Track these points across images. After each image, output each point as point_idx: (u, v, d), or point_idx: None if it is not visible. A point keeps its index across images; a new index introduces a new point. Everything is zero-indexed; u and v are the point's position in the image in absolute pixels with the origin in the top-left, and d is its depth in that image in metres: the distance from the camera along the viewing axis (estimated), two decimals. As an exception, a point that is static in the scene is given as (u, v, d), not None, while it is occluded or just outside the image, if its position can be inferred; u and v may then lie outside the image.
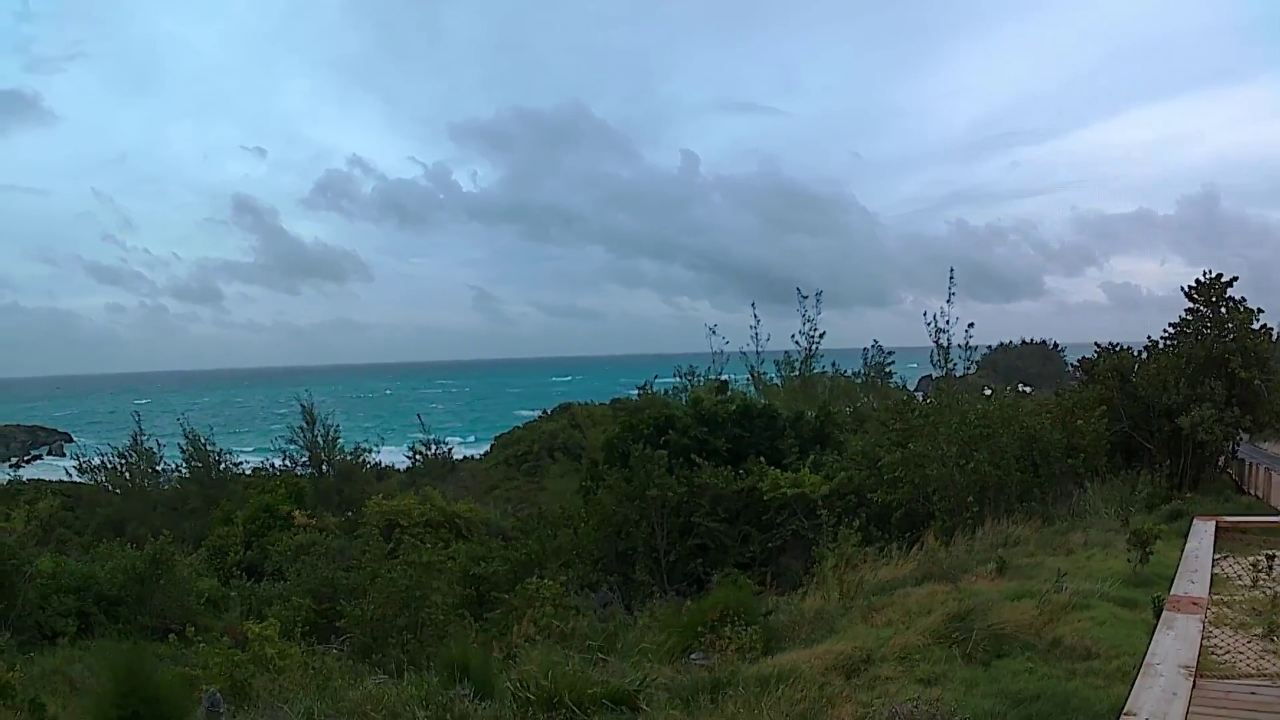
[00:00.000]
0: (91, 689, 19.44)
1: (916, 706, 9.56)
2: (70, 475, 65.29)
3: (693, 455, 25.94)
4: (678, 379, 53.46)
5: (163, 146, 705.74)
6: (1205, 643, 11.93)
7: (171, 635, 23.31)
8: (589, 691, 10.74)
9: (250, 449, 73.34)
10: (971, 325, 37.57)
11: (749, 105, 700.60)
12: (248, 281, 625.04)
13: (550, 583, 22.53)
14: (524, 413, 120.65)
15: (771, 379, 46.34)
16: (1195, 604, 13.69)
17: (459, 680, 11.39)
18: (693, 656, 13.74)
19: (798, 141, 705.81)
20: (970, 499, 22.45)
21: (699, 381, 48.60)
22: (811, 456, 26.27)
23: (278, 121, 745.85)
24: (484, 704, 10.75)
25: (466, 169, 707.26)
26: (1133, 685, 10.06)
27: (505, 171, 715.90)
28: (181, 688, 10.75)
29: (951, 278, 37.23)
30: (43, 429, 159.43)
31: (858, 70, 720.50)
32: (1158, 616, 12.90)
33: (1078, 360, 38.76)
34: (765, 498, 24.61)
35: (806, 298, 44.98)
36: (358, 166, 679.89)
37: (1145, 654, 11.13)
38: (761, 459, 26.02)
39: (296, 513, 46.59)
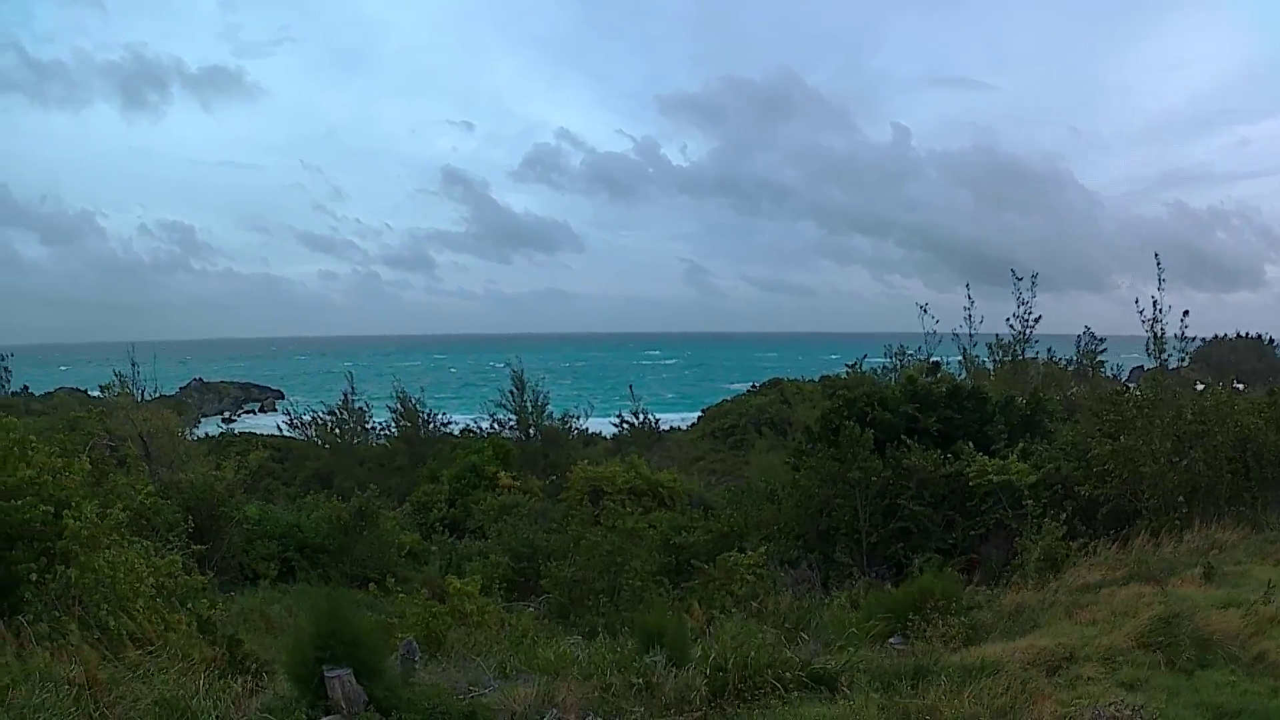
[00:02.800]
0: (289, 628, 19.90)
1: (1119, 711, 9.30)
2: (281, 430, 67.46)
3: (902, 435, 25.56)
4: (887, 358, 52.85)
5: (371, 123, 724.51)
6: None
7: (371, 584, 23.77)
8: (789, 669, 10.65)
9: (459, 411, 74.27)
10: (1186, 314, 36.48)
11: (960, 79, 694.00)
12: (459, 251, 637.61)
13: (752, 555, 22.44)
14: (732, 386, 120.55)
15: (983, 362, 45.55)
16: None
17: (653, 647, 11.37)
18: (892, 641, 13.58)
19: (1010, 116, 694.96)
20: (1181, 499, 21.78)
21: (909, 361, 48.01)
22: (1020, 444, 25.71)
23: (485, 97, 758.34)
24: (677, 672, 10.72)
25: (676, 142, 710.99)
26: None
27: (716, 144, 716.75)
28: (379, 634, 10.87)
29: (1159, 263, 36.05)
30: (255, 386, 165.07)
31: (1070, 43, 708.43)
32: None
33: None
34: (971, 483, 24.19)
35: (1020, 279, 44.09)
36: (566, 140, 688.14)
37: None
38: (970, 443, 25.55)
39: (502, 474, 47.12)
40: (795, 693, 10.42)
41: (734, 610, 17.21)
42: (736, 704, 10.25)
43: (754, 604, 17.89)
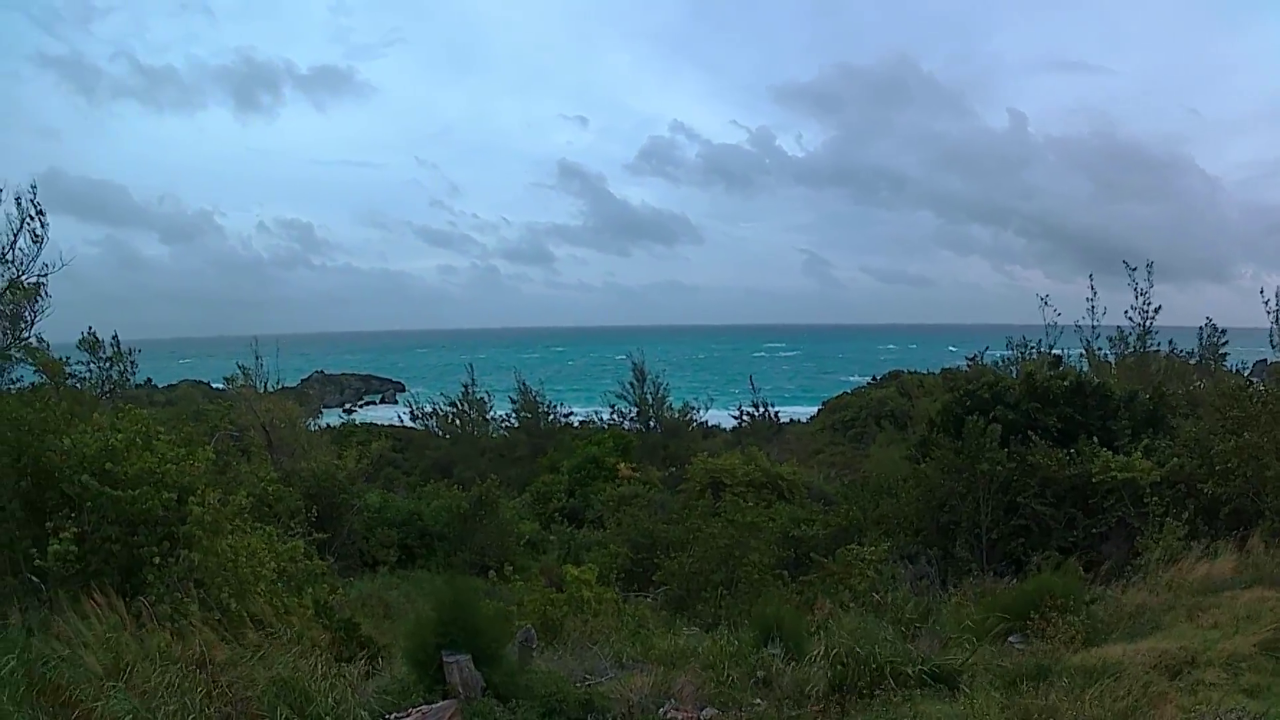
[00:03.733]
0: (407, 614, 20.07)
1: (1241, 717, 9.13)
2: (401, 420, 68.26)
3: (1026, 431, 25.18)
4: (1008, 351, 52.22)
5: (486, 119, 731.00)
6: None
7: (490, 572, 23.96)
8: (909, 666, 10.57)
9: (579, 403, 74.61)
10: (1312, 304, 35.61)
11: (1076, 63, 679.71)
12: (577, 244, 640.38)
13: (872, 549, 22.27)
14: (851, 378, 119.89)
15: (1105, 355, 44.77)
16: None
17: (771, 640, 11.35)
18: (1011, 639, 13.43)
19: (1128, 100, 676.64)
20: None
21: (1030, 354, 47.37)
22: (1144, 440, 25.24)
23: (598, 92, 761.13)
24: (794, 665, 10.69)
25: (791, 132, 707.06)
26: None
27: (832, 133, 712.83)
28: (498, 621, 10.95)
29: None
30: (376, 378, 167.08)
31: (1188, 22, 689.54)
32: None
33: None
34: (1094, 480, 23.79)
35: (1135, 269, 43.24)
36: (681, 133, 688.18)
37: None
38: (1094, 439, 25.11)
39: (622, 465, 47.33)
40: (917, 690, 10.34)
41: (851, 605, 17.08)
42: (856, 699, 10.19)
43: (874, 598, 17.74)
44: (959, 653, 11.60)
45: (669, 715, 9.87)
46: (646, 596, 24.19)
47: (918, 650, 11.32)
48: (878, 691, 10.32)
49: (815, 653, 11.08)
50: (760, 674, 10.57)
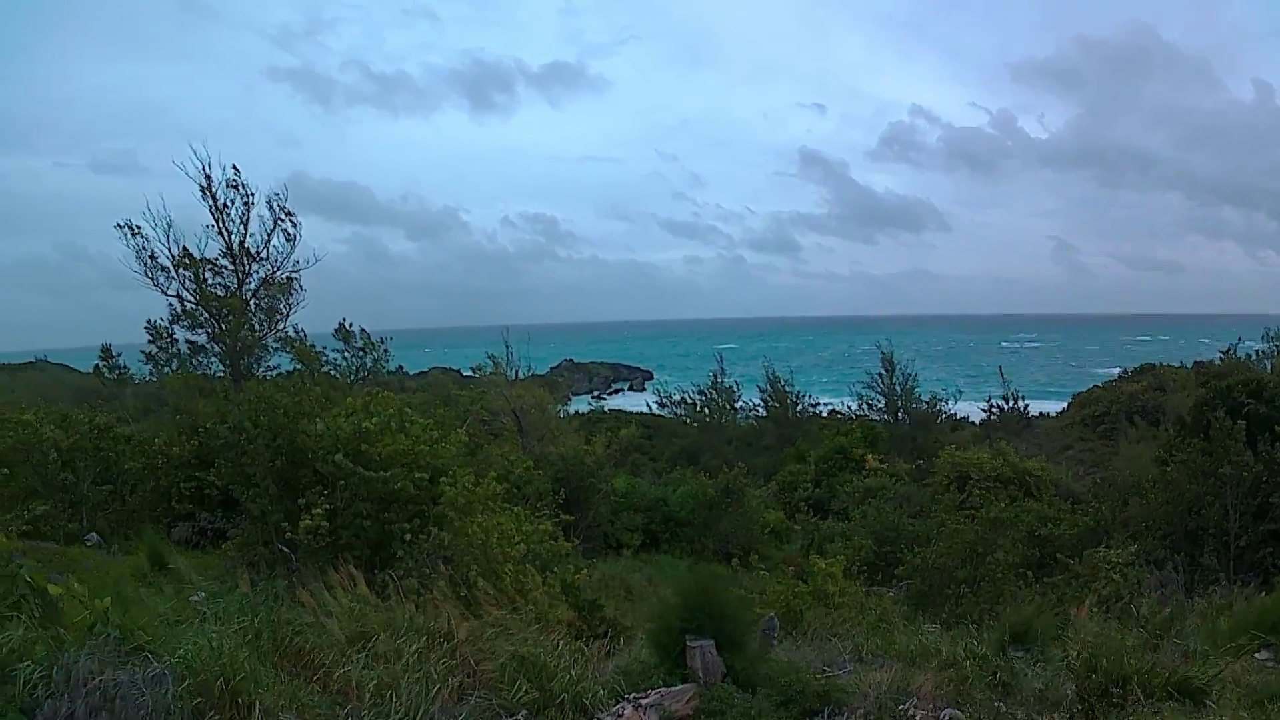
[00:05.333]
0: (649, 596, 20.31)
1: None
2: (650, 408, 69.09)
3: (1276, 428, 24.25)
4: (1265, 343, 50.61)
5: (723, 111, 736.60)
6: None
7: (734, 560, 24.10)
8: (1155, 677, 10.35)
9: (825, 393, 74.49)
10: None
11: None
12: (822, 232, 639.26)
13: (1118, 552, 21.80)
14: (1101, 371, 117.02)
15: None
16: None
17: (1014, 642, 11.25)
18: (1259, 655, 13.03)
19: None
20: None
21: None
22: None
23: (835, 79, 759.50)
24: (1037, 669, 10.57)
25: (1032, 113, 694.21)
26: None
27: (1075, 111, 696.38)
28: (744, 608, 11.06)
29: None
30: (624, 366, 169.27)
31: None
32: None
33: None
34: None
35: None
36: (920, 117, 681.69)
37: None
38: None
39: (869, 456, 47.17)
40: (1162, 704, 10.13)
41: (1095, 610, 16.77)
42: (1107, 708, 10.01)
43: (1119, 604, 17.38)
44: (1207, 666, 11.30)
45: (910, 714, 9.84)
46: (888, 590, 24.10)
47: (1161, 661, 11.06)
48: (1125, 702, 10.13)
49: (1060, 657, 10.94)
50: (1001, 676, 10.46)
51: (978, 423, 67.03)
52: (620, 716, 8.73)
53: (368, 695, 8.07)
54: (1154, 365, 78.97)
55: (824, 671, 10.67)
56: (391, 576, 11.64)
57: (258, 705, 7.44)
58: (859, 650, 11.79)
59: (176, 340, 36.79)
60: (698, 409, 64.23)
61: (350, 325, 40.04)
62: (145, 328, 37.20)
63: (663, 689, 9.21)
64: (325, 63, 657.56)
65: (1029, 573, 22.49)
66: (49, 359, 76.28)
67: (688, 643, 9.54)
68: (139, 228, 33.97)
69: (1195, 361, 70.33)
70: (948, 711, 9.80)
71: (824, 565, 20.29)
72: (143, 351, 38.37)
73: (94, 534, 22.69)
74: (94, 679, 7.15)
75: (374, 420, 15.95)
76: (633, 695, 9.12)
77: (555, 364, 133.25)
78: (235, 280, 35.44)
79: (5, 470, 22.07)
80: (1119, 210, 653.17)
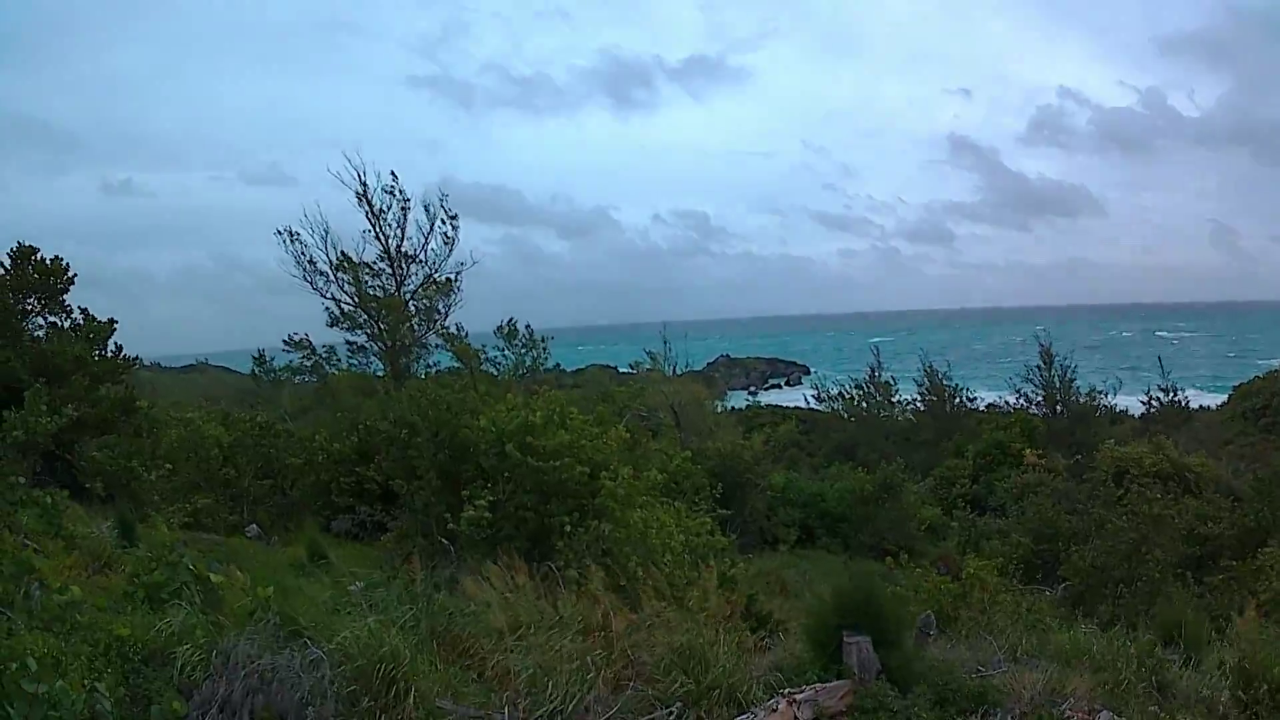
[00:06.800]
0: (804, 592, 20.37)
1: None
2: (807, 403, 68.93)
3: None
4: None
5: (869, 101, 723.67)
6: None
7: (889, 556, 24.06)
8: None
9: (983, 386, 73.68)
10: None
11: None
12: (976, 221, 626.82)
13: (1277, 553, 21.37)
14: (1266, 361, 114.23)
15: None
16: None
17: (1170, 644, 11.12)
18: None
19: None
20: None
21: None
22: None
23: (979, 63, 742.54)
24: (1194, 673, 10.45)
25: (1182, 89, 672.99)
26: None
27: (1226, 86, 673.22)
28: (901, 605, 11.08)
29: None
30: (781, 361, 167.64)
31: None
32: None
33: None
34: None
35: None
36: (1069, 99, 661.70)
37: None
38: None
39: (1028, 451, 46.58)
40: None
41: (1257, 615, 16.45)
42: (1271, 715, 9.87)
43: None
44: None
45: (1065, 715, 9.76)
46: (1046, 590, 23.85)
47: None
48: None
49: (1217, 661, 10.80)
50: (1155, 679, 10.33)
51: (1137, 416, 65.77)
52: (774, 711, 8.78)
53: (523, 684, 8.24)
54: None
55: (978, 671, 10.62)
56: (552, 567, 11.81)
57: (413, 690, 7.66)
58: (1014, 650, 11.71)
59: (315, 351, 37.83)
60: (854, 403, 63.61)
61: (514, 324, 40.52)
62: (284, 343, 38.32)
63: (818, 684, 9.23)
64: (464, 68, 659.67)
65: (1187, 573, 22.13)
66: (209, 362, 78.44)
67: (844, 639, 9.56)
68: (297, 234, 34.94)
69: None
70: (1104, 714, 9.72)
71: (976, 565, 20.14)
72: (288, 364, 39.37)
73: (254, 526, 23.46)
74: (252, 662, 7.47)
75: (538, 414, 16.22)
76: (787, 690, 9.17)
77: (711, 359, 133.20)
78: (394, 282, 36.22)
79: (169, 466, 22.78)
80: (1276, 188, 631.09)
